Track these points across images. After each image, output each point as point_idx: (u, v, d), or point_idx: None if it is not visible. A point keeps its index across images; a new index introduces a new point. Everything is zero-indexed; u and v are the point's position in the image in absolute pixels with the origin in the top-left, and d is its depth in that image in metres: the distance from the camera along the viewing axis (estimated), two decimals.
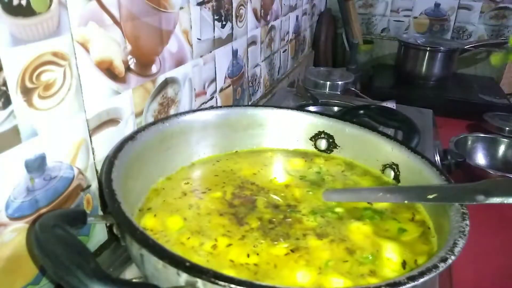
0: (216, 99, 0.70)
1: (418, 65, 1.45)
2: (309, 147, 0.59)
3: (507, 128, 1.17)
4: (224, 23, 0.68)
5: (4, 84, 0.32)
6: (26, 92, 0.34)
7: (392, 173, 0.51)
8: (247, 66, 0.83)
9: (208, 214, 0.43)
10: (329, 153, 0.57)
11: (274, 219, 0.43)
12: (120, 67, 0.44)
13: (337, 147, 0.57)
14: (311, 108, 0.84)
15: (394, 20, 1.65)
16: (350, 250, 0.39)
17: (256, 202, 0.46)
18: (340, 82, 1.08)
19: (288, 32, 1.12)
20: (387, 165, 0.52)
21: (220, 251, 0.38)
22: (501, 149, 1.11)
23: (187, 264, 0.28)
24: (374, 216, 0.44)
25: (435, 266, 0.30)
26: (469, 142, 1.12)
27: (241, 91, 0.82)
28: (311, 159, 0.56)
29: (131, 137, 0.44)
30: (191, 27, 0.58)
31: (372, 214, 0.44)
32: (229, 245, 0.39)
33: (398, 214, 0.45)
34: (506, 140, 1.11)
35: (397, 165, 0.50)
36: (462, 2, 1.55)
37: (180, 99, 0.58)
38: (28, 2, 0.32)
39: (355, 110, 0.72)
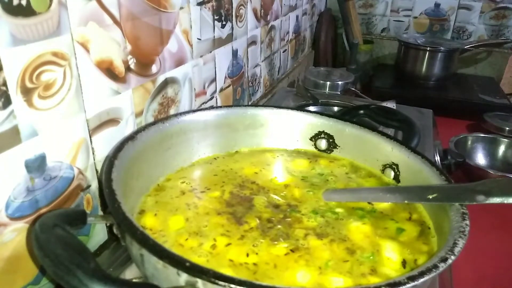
0: (216, 99, 0.70)
1: (418, 65, 1.45)
2: (309, 147, 0.59)
3: (507, 128, 1.17)
4: (224, 23, 0.68)
5: (4, 84, 0.32)
6: (26, 92, 0.34)
7: (392, 173, 0.51)
8: (247, 66, 0.83)
9: (206, 213, 0.43)
10: (329, 153, 0.57)
11: (273, 218, 0.43)
12: (120, 67, 0.44)
13: (337, 147, 0.57)
14: (311, 108, 0.84)
15: (394, 20, 1.65)
16: (350, 250, 0.39)
17: (254, 201, 0.46)
18: (340, 82, 1.08)
19: (288, 32, 1.12)
20: (387, 165, 0.51)
21: (219, 250, 0.38)
22: (501, 149, 1.11)
23: (187, 264, 0.28)
24: (365, 215, 0.44)
25: (435, 266, 0.30)
26: (469, 142, 1.12)
27: (241, 91, 0.82)
28: (315, 160, 0.56)
29: (131, 137, 0.44)
30: (191, 27, 0.58)
31: (364, 213, 0.44)
32: (228, 244, 0.39)
33: (396, 214, 0.45)
34: (506, 140, 1.11)
35: (397, 165, 0.50)
36: (462, 2, 1.55)
37: (180, 99, 0.58)
38: (28, 2, 0.32)
39: (355, 110, 0.72)
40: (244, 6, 0.75)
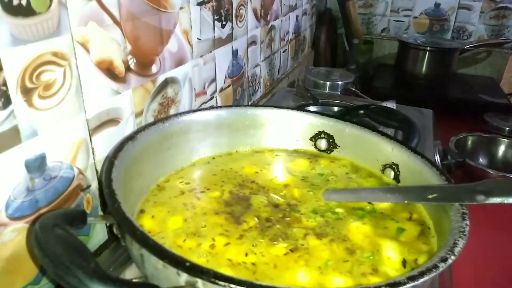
0: (216, 99, 0.70)
1: (418, 65, 1.45)
2: (309, 147, 0.59)
3: (507, 128, 1.18)
4: (224, 23, 0.68)
5: (4, 84, 0.32)
6: (26, 92, 0.34)
7: (392, 173, 0.51)
8: (247, 66, 0.83)
9: (205, 213, 0.43)
10: (329, 153, 0.57)
11: (272, 218, 0.43)
12: (120, 67, 0.44)
13: (337, 147, 0.57)
14: (311, 108, 0.84)
15: (394, 20, 1.65)
16: (350, 250, 0.39)
17: (251, 200, 0.46)
18: (340, 82, 1.08)
19: (288, 32, 1.12)
20: (387, 165, 0.51)
21: (218, 250, 0.38)
22: (501, 149, 1.11)
23: (187, 264, 0.28)
24: (366, 215, 0.44)
25: (435, 266, 0.30)
26: (469, 142, 1.12)
27: (241, 91, 0.82)
28: (316, 160, 0.56)
29: (131, 137, 0.44)
30: (191, 27, 0.58)
31: (364, 213, 0.45)
32: (227, 244, 0.39)
33: (396, 214, 0.45)
34: (506, 140, 1.11)
35: (397, 165, 0.50)
36: (462, 2, 1.55)
37: (180, 99, 0.58)
38: (28, 2, 0.32)
39: (355, 110, 0.72)
40: (244, 6, 0.75)
